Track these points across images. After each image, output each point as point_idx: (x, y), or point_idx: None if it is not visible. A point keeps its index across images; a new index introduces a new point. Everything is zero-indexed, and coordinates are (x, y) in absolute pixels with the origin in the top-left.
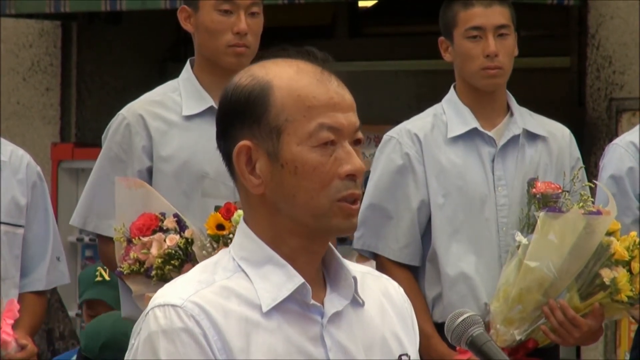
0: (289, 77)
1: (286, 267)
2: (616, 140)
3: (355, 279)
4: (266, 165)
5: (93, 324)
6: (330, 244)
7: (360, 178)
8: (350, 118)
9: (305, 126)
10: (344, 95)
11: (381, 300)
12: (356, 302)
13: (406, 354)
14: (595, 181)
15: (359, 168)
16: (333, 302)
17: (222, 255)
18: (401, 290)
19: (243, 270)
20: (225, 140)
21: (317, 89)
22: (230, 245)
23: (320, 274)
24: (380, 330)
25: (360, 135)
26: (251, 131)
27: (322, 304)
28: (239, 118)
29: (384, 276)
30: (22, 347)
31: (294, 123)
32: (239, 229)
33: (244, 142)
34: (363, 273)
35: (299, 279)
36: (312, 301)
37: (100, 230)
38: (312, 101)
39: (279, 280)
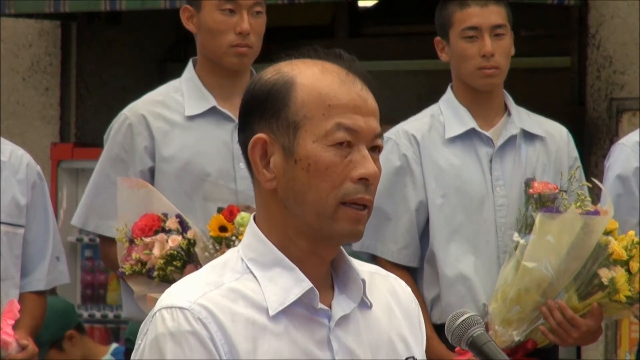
0: (313, 74)
1: (295, 270)
2: (622, 140)
3: (364, 281)
4: (280, 160)
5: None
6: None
7: (373, 184)
8: (370, 123)
9: (322, 124)
10: (367, 99)
11: (388, 301)
12: (364, 304)
13: (412, 357)
14: (595, 180)
15: (372, 173)
16: (341, 305)
17: (231, 255)
18: (408, 289)
19: (251, 272)
20: (244, 133)
21: (340, 89)
22: (239, 245)
23: (329, 275)
24: (387, 332)
25: (380, 142)
26: (269, 125)
27: (330, 306)
28: (259, 111)
29: (392, 275)
30: (22, 348)
31: (312, 120)
32: (249, 229)
33: (260, 135)
34: (371, 273)
35: (307, 284)
36: (320, 305)
37: (101, 230)
38: (333, 100)
39: (287, 284)
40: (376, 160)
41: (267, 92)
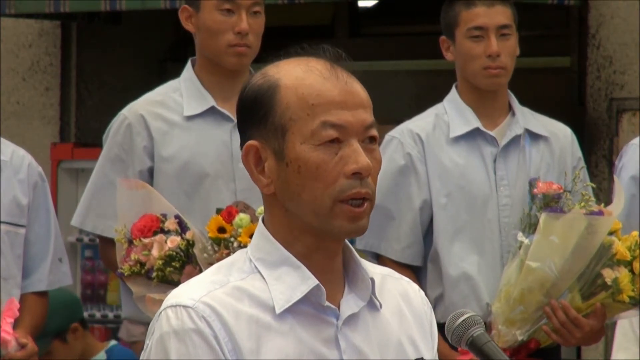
0: (296, 75)
1: (301, 268)
2: (635, 141)
3: (372, 280)
4: (274, 165)
5: None
6: (347, 243)
7: (367, 176)
8: (358, 115)
9: (308, 124)
10: (354, 92)
11: (399, 303)
12: (373, 305)
13: (421, 358)
14: (615, 178)
15: (363, 166)
16: (349, 304)
17: (239, 255)
18: (421, 293)
19: (259, 272)
20: (242, 140)
21: (323, 86)
22: (248, 246)
23: (340, 273)
24: (396, 334)
25: (373, 132)
26: (259, 131)
27: (339, 305)
28: (249, 117)
29: (405, 278)
30: (22, 346)
31: (298, 122)
32: (258, 229)
33: (251, 142)
34: (383, 275)
35: (313, 281)
36: (327, 303)
37: (99, 230)
38: (316, 99)
39: (293, 282)
40: (372, 151)
41: (254, 97)
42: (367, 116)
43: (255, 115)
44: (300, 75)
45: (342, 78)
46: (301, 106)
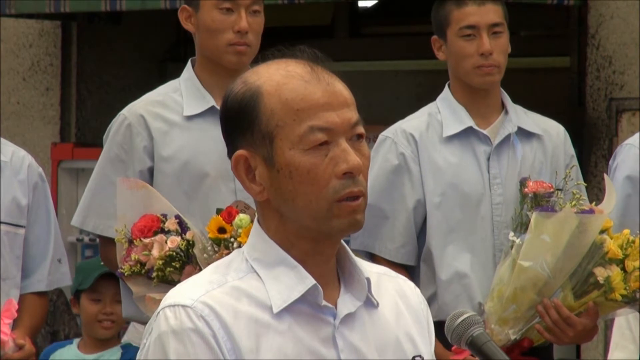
0: (277, 81)
1: (298, 268)
2: (629, 141)
3: (368, 279)
4: (264, 172)
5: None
6: (343, 243)
7: (359, 174)
8: (343, 115)
9: (295, 130)
10: (336, 92)
11: (396, 301)
12: (370, 303)
13: (420, 356)
14: (606, 176)
15: (353, 165)
16: (346, 303)
17: (235, 255)
18: (417, 290)
19: (255, 271)
20: (229, 149)
21: (305, 90)
22: (244, 246)
23: (335, 274)
24: (394, 332)
25: (360, 130)
26: (246, 140)
27: (336, 304)
28: (234, 126)
29: (401, 276)
30: (19, 347)
31: (285, 128)
32: (254, 229)
33: (239, 152)
34: (379, 274)
35: (310, 281)
36: (324, 302)
37: (100, 230)
38: (300, 104)
39: (291, 281)
40: (360, 148)
41: (237, 106)
42: (353, 114)
43: (241, 124)
44: (282, 80)
45: (323, 79)
46: (286, 112)
